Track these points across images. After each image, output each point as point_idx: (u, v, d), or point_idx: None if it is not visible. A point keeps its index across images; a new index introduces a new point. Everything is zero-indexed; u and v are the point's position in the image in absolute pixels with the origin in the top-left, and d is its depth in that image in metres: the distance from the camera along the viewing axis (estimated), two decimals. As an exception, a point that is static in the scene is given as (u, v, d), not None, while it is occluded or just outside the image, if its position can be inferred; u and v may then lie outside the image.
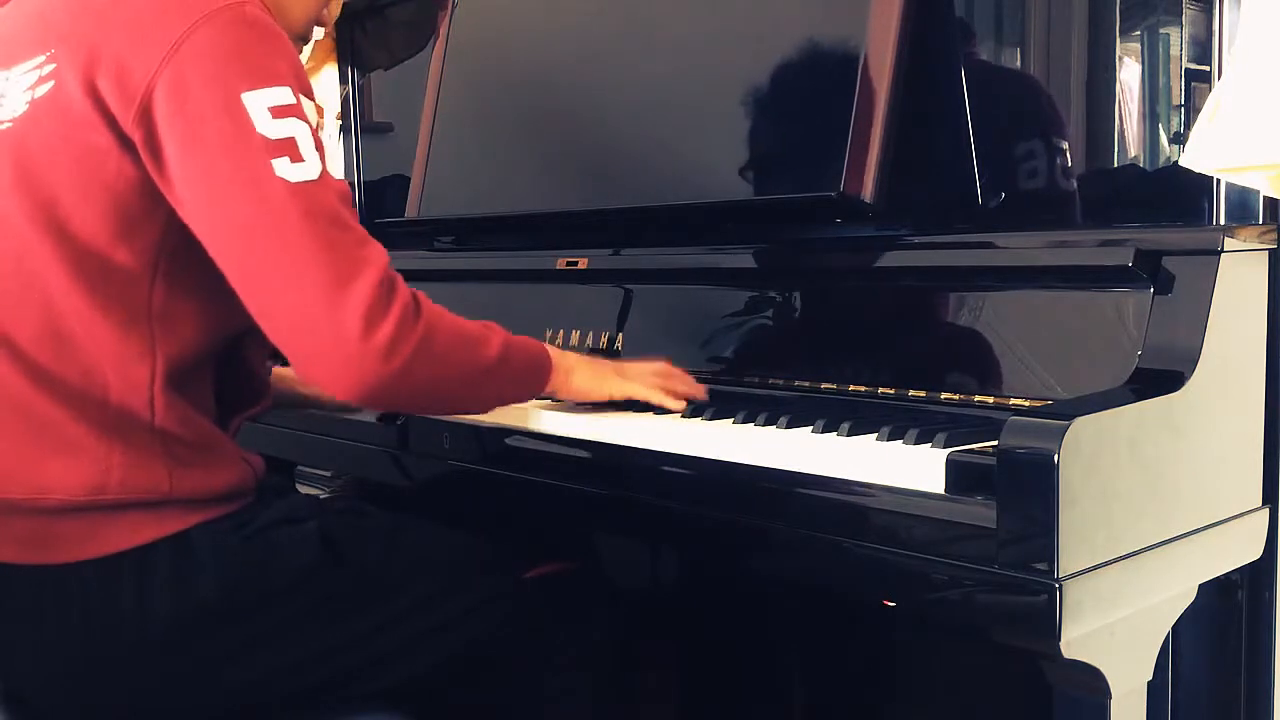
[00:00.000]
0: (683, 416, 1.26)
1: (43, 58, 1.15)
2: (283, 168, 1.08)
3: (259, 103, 1.09)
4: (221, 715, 1.20)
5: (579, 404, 1.37)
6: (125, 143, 1.10)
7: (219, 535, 1.16)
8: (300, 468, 2.11)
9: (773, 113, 1.42)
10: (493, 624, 1.31)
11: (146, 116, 1.09)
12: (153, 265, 1.14)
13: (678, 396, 1.31)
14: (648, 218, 1.57)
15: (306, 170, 1.09)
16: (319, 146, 1.13)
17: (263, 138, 1.08)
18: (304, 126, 1.11)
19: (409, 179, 1.89)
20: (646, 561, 1.78)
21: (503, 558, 1.37)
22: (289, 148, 1.09)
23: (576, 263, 1.58)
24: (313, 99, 1.17)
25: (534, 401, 1.41)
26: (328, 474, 2.19)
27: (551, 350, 1.29)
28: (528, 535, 1.47)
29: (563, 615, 1.36)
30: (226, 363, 1.26)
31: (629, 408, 1.33)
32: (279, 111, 1.10)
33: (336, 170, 2.32)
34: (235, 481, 1.20)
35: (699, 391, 1.34)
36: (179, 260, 1.14)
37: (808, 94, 1.38)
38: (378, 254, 1.11)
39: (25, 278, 1.13)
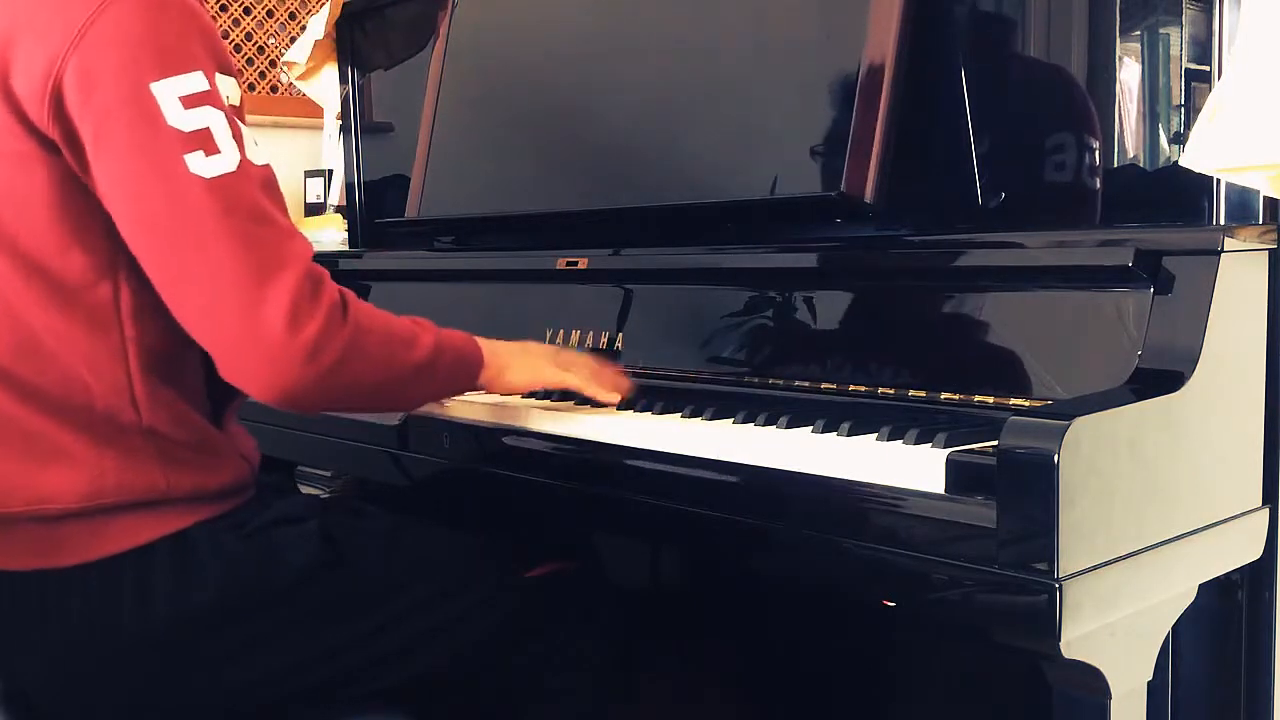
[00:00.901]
0: (682, 416, 1.27)
1: None
2: (196, 162, 1.03)
3: (169, 92, 1.03)
4: (222, 715, 1.20)
5: (577, 402, 1.38)
6: (47, 144, 1.06)
7: (219, 534, 1.16)
8: (300, 468, 2.11)
9: (773, 112, 1.42)
10: (493, 624, 1.31)
11: (59, 111, 1.04)
12: (110, 266, 1.10)
13: (609, 388, 1.33)
14: (648, 218, 1.57)
15: (223, 162, 1.05)
16: (237, 134, 1.07)
17: (174, 130, 1.03)
18: (219, 114, 1.06)
19: (409, 179, 1.88)
20: (646, 561, 1.78)
21: (503, 558, 1.37)
22: (203, 139, 1.04)
23: (576, 263, 1.58)
24: (232, 74, 1.11)
25: (533, 401, 1.41)
26: (328, 474, 2.19)
27: (483, 344, 1.27)
28: (528, 535, 1.47)
29: (563, 615, 1.36)
30: (207, 356, 1.25)
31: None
32: (191, 101, 1.04)
33: (336, 171, 2.32)
34: (232, 478, 1.20)
35: (628, 386, 1.36)
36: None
37: (808, 94, 1.38)
38: (302, 249, 1.08)
39: None
